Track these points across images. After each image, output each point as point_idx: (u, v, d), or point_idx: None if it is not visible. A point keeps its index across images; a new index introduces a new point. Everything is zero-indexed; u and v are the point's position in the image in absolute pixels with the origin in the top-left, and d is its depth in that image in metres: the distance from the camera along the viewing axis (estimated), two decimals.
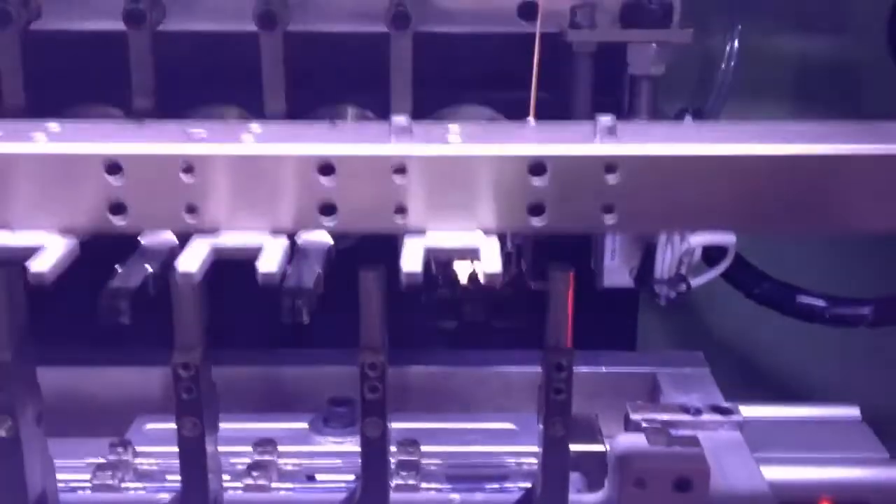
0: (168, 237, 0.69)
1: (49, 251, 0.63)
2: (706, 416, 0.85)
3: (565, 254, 0.76)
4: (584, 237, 0.97)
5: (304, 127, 0.71)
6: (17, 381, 0.71)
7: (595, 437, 0.84)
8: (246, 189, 0.65)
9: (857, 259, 1.19)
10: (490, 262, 0.62)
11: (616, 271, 0.96)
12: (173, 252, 0.68)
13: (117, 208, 0.65)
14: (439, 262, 0.86)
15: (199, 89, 0.95)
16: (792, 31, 1.16)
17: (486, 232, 0.66)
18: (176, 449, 0.74)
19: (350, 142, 0.66)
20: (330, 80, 0.97)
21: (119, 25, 0.85)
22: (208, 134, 0.67)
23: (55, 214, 0.65)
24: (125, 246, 0.70)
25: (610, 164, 0.64)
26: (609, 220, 0.65)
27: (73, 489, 0.84)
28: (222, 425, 0.75)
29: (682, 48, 0.90)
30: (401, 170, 0.65)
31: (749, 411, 0.87)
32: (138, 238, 0.69)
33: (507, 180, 0.64)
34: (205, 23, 0.90)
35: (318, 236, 0.69)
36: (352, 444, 0.86)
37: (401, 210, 0.65)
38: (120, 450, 0.86)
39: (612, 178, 0.64)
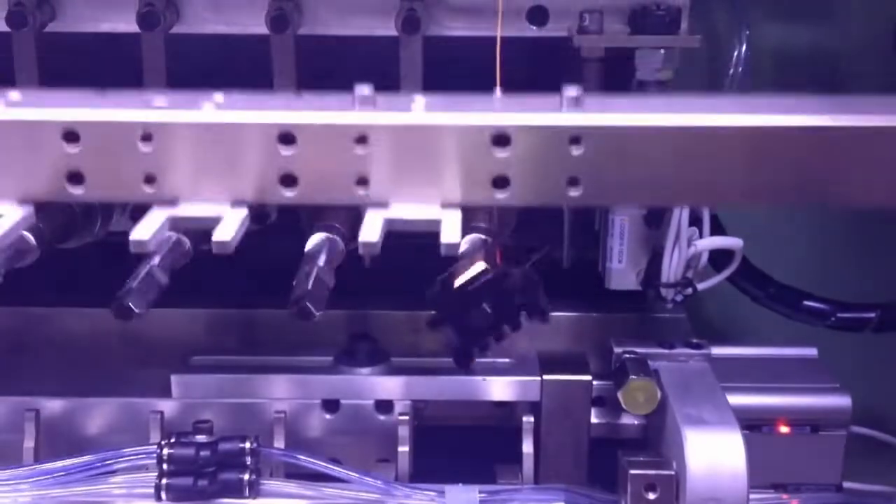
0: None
1: (3, 220, 0.62)
2: (679, 350, 0.92)
3: None
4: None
5: (268, 97, 0.70)
6: None
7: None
8: (205, 158, 0.64)
9: (862, 263, 1.19)
10: (449, 233, 0.61)
11: (623, 274, 0.96)
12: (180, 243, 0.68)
13: (75, 177, 0.64)
14: None
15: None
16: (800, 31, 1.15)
17: (450, 205, 0.65)
18: None
19: (312, 110, 0.65)
20: (341, 83, 0.96)
21: (132, 27, 0.86)
22: (169, 103, 0.66)
23: (12, 183, 0.65)
24: None
25: (575, 136, 0.63)
26: (573, 192, 0.64)
27: None
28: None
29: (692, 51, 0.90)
30: (362, 139, 0.64)
31: (718, 350, 0.95)
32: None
33: (471, 151, 0.63)
34: (217, 25, 0.90)
35: None
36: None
37: (363, 181, 0.64)
38: None
39: (576, 150, 0.63)
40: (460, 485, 0.87)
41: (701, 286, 0.97)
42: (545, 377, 0.89)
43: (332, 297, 0.84)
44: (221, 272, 0.83)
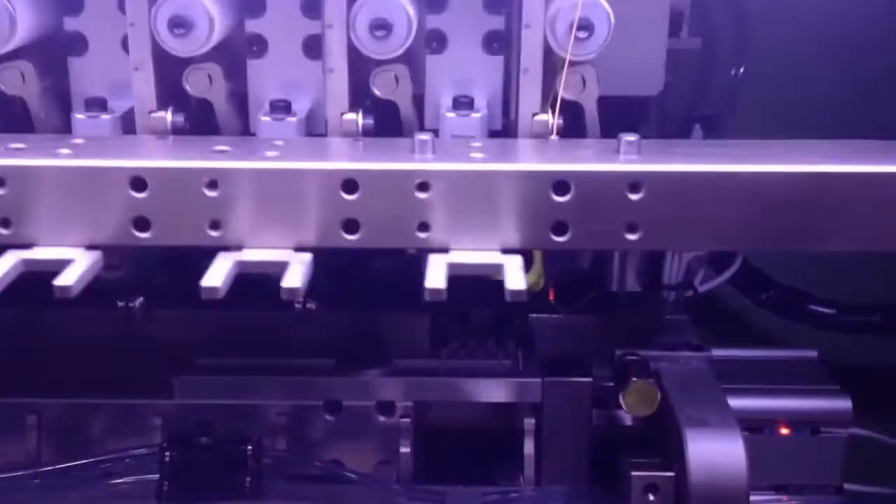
0: None
1: (75, 265, 0.63)
2: (680, 352, 0.92)
3: None
4: None
5: (326, 143, 0.71)
6: None
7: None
8: (270, 205, 0.65)
9: (864, 265, 1.18)
10: (514, 279, 0.62)
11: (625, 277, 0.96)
12: None
13: (141, 223, 0.65)
14: None
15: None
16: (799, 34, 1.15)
17: (509, 250, 0.66)
18: None
19: (373, 158, 0.66)
20: None
21: None
22: (232, 149, 0.67)
23: (80, 229, 0.66)
24: None
25: (634, 182, 0.64)
26: (632, 237, 0.65)
27: None
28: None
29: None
30: (424, 186, 0.65)
31: (719, 352, 0.94)
32: None
33: (531, 198, 0.65)
34: None
35: None
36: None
37: (424, 227, 0.65)
38: None
39: (635, 196, 0.64)
40: (461, 488, 0.87)
41: (701, 288, 0.98)
42: (546, 379, 0.89)
43: (334, 299, 0.85)
44: None
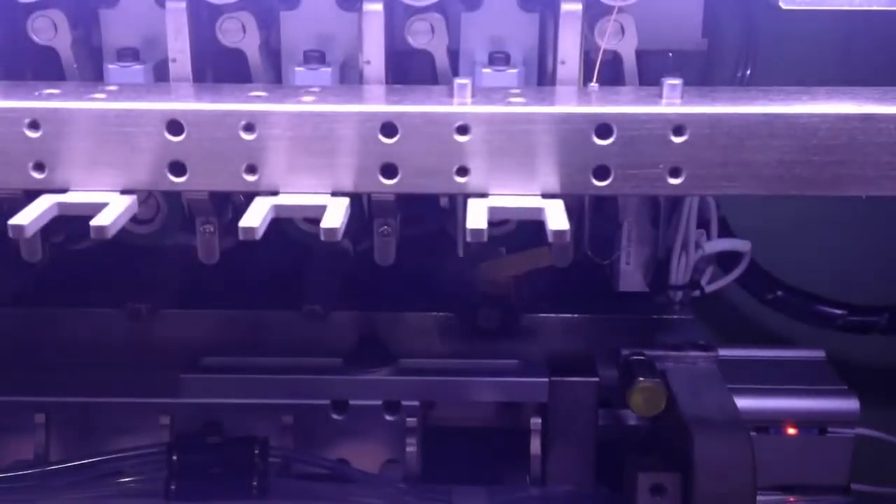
0: None
1: (111, 207, 0.63)
2: (687, 352, 0.92)
3: None
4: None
5: (363, 90, 0.70)
6: None
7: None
8: (307, 149, 0.64)
9: (871, 265, 1.18)
10: (557, 220, 0.61)
11: (631, 275, 0.95)
12: None
13: (177, 167, 0.65)
14: None
15: None
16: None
17: (549, 195, 0.65)
18: None
19: (412, 102, 0.65)
20: None
21: None
22: (268, 95, 0.67)
23: (115, 174, 0.65)
24: None
25: (678, 125, 0.63)
26: (675, 182, 0.64)
27: None
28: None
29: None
30: (463, 130, 0.64)
31: (726, 352, 0.95)
32: None
33: (572, 141, 0.64)
34: None
35: None
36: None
37: (463, 171, 0.64)
38: None
39: (679, 140, 0.63)
40: (467, 487, 0.87)
41: (709, 288, 0.97)
42: (553, 379, 0.89)
43: (341, 298, 0.85)
44: (230, 274, 0.84)
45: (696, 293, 0.97)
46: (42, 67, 0.75)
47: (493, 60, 0.74)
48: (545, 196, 0.64)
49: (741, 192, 0.63)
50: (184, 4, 0.70)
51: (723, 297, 1.07)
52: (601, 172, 0.64)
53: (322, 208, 0.63)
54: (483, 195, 0.65)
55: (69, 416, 0.92)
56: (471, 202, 0.64)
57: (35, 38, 0.73)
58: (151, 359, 0.93)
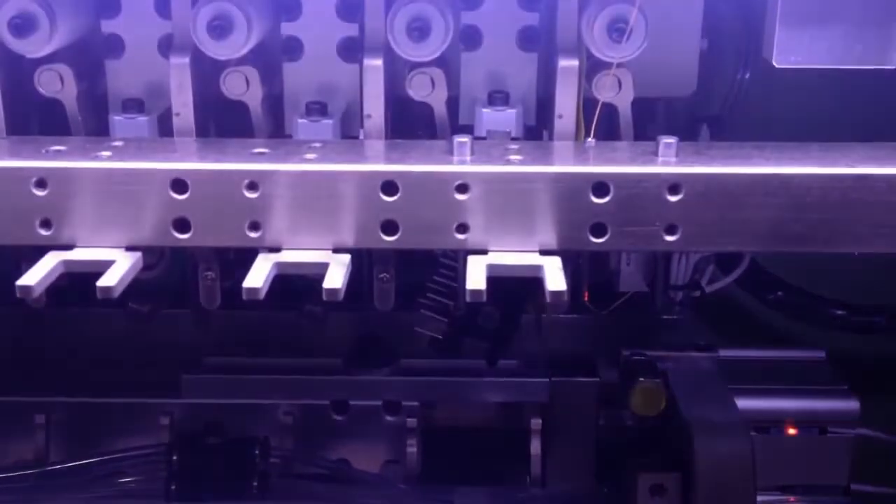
0: None
1: (117, 265, 0.64)
2: (687, 352, 0.93)
3: None
4: None
5: (364, 145, 0.71)
6: None
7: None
8: (309, 206, 0.66)
9: (872, 264, 1.18)
10: (554, 281, 0.62)
11: (631, 276, 0.96)
12: None
13: (181, 224, 0.66)
14: None
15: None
16: None
17: (547, 251, 0.66)
18: None
19: (412, 161, 0.66)
20: None
21: None
22: (270, 151, 0.68)
23: (120, 231, 0.66)
24: None
25: (674, 184, 0.64)
26: (671, 239, 0.65)
27: None
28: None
29: None
30: (463, 188, 0.65)
31: (726, 352, 0.96)
32: None
33: (570, 200, 0.65)
34: None
35: None
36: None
37: (462, 228, 0.66)
38: None
39: (675, 198, 0.64)
40: (468, 488, 0.88)
41: (709, 288, 0.98)
42: (553, 379, 0.90)
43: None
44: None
45: (697, 293, 0.97)
46: (47, 118, 0.76)
47: (492, 100, 0.76)
48: (543, 252, 0.66)
49: (736, 249, 0.65)
50: (187, 59, 0.71)
51: (723, 298, 1.07)
52: (598, 230, 0.65)
53: (324, 265, 0.65)
54: (482, 251, 0.66)
55: (70, 417, 0.92)
56: (470, 261, 0.65)
57: (41, 91, 0.74)
58: (152, 359, 0.94)
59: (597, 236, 0.65)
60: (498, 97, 0.76)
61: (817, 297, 1.08)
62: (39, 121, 0.77)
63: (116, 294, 0.63)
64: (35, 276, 0.63)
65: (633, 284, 0.96)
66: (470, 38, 0.77)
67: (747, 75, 1.01)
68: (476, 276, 0.63)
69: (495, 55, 0.78)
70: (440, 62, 0.73)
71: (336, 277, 0.63)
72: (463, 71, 0.78)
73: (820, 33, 0.66)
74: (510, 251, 0.66)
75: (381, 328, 0.95)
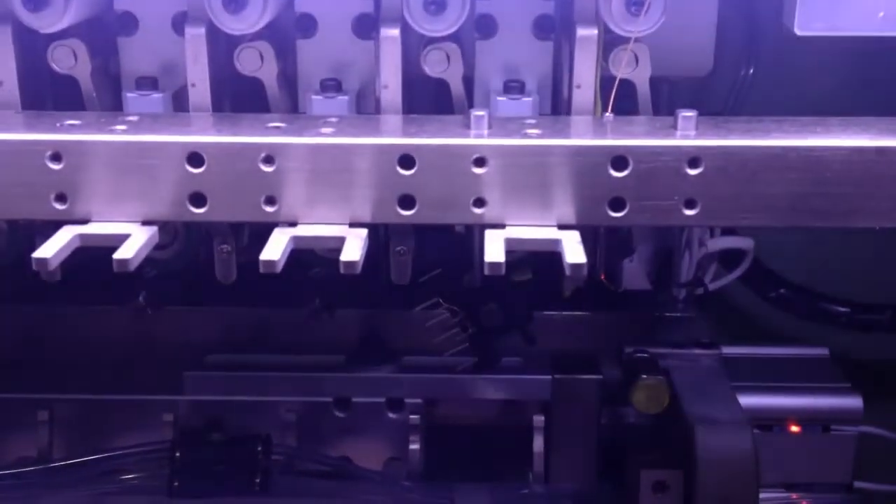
0: None
1: (133, 239, 0.63)
2: (690, 349, 0.92)
3: None
4: None
5: (380, 120, 0.71)
6: None
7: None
8: (325, 180, 0.65)
9: (874, 262, 1.18)
10: (574, 253, 0.62)
11: (635, 274, 0.95)
12: None
13: (197, 198, 0.65)
14: None
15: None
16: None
17: (566, 226, 0.65)
18: None
19: (429, 134, 0.66)
20: None
21: None
22: (287, 126, 0.67)
23: (136, 205, 0.66)
24: None
25: (693, 158, 0.63)
26: (690, 213, 0.64)
27: None
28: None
29: None
30: (481, 162, 0.65)
31: (729, 350, 0.94)
32: None
33: (588, 173, 0.64)
34: None
35: None
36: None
37: (480, 202, 0.65)
38: None
39: (694, 172, 0.64)
40: (470, 485, 0.87)
41: (712, 286, 0.97)
42: (556, 376, 0.89)
43: (344, 296, 0.84)
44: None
45: (700, 291, 0.97)
46: (62, 95, 0.76)
47: (508, 89, 0.75)
48: (561, 227, 0.65)
49: (755, 224, 0.64)
50: (203, 31, 0.71)
51: (726, 295, 1.07)
52: (617, 204, 0.65)
53: (341, 239, 0.64)
54: (500, 226, 0.65)
55: (72, 413, 0.92)
56: (488, 234, 0.64)
57: (55, 67, 0.74)
58: (155, 356, 0.93)
59: (615, 210, 0.65)
60: (514, 86, 0.75)
61: (820, 295, 1.08)
62: (54, 99, 0.77)
63: (133, 267, 0.62)
64: (51, 250, 0.63)
65: (636, 283, 0.96)
66: (485, 26, 0.77)
67: (751, 71, 1.01)
68: (495, 249, 0.62)
69: (511, 44, 0.77)
70: (455, 39, 0.72)
71: (353, 250, 0.63)
72: (478, 60, 0.77)
73: (842, 1, 0.65)
74: (528, 225, 0.65)
75: (385, 326, 0.95)
